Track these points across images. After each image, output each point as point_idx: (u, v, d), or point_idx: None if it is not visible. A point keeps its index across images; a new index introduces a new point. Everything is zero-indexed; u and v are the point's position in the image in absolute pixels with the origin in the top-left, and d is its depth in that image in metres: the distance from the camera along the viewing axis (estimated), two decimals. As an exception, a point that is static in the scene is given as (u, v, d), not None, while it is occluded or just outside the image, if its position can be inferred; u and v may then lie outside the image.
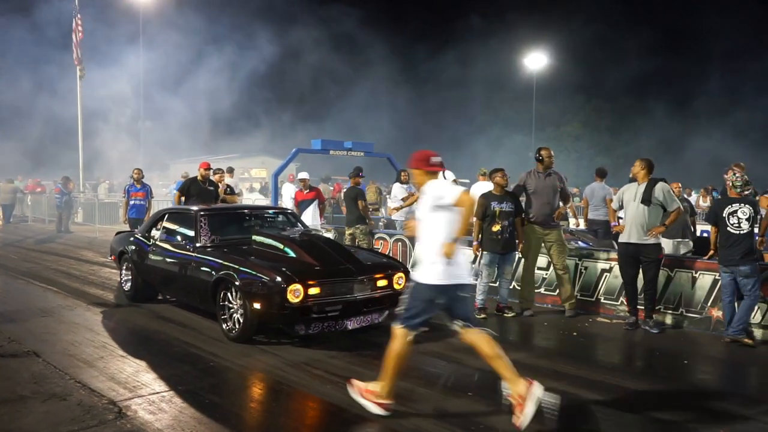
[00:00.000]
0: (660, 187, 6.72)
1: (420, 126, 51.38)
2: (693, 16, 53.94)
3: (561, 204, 7.74)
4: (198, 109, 36.41)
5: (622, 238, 6.86)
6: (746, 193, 6.51)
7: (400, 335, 4.24)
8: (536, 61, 42.80)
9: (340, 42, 47.68)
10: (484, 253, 7.44)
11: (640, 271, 6.84)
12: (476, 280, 7.65)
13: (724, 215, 6.37)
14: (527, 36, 44.70)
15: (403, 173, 11.51)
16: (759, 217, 6.61)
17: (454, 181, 10.53)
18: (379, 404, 4.29)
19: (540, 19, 51.46)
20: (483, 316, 7.39)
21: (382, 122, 43.55)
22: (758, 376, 5.76)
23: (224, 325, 6.28)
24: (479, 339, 4.25)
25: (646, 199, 6.66)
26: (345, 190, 10.78)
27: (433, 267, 4.13)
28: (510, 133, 49.04)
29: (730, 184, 6.53)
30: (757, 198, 8.41)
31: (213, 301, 6.43)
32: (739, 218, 6.29)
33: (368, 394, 4.34)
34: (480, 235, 7.48)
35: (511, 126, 50.48)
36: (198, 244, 7.01)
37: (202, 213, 7.35)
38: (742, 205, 6.33)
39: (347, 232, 10.03)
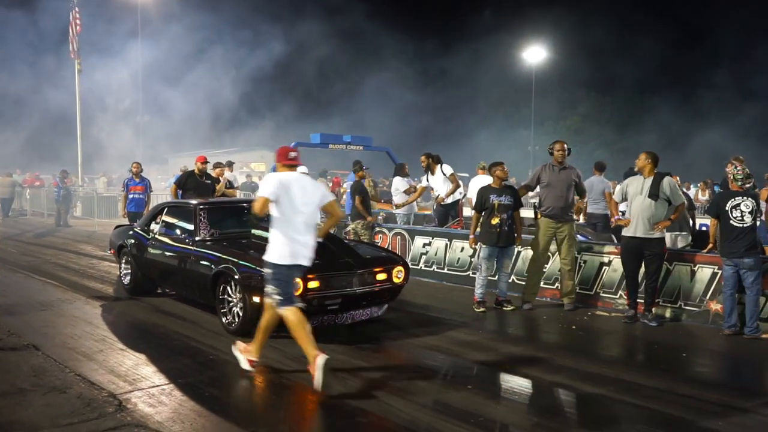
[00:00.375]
0: (667, 181, 6.72)
1: (422, 120, 51.20)
2: (698, 8, 53.67)
3: (579, 198, 7.75)
4: (197, 102, 36.31)
5: (627, 232, 6.83)
6: (747, 186, 6.51)
7: (290, 312, 4.81)
8: (535, 54, 42.72)
9: (341, 36, 47.46)
10: (483, 246, 7.42)
11: (642, 264, 6.85)
12: (475, 273, 7.65)
13: (726, 208, 6.36)
14: (528, 29, 44.57)
15: (405, 166, 11.48)
16: (760, 210, 6.59)
17: (452, 175, 10.56)
18: (249, 360, 5.05)
19: (541, 12, 51.29)
20: (482, 309, 7.40)
21: (384, 117, 43.39)
22: (756, 369, 5.77)
23: (224, 319, 6.28)
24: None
25: (654, 193, 6.64)
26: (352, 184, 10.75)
27: (284, 248, 4.85)
28: (510, 127, 48.97)
29: (732, 177, 6.53)
30: (757, 191, 8.37)
31: (212, 294, 6.43)
32: (742, 211, 6.29)
33: (245, 352, 5.08)
34: (477, 228, 7.47)
35: (511, 120, 50.40)
36: (197, 238, 7.00)
37: (201, 206, 7.34)
38: (745, 198, 6.34)
39: (350, 226, 10.06)
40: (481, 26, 54.95)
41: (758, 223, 6.47)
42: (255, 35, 36.97)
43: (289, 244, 4.84)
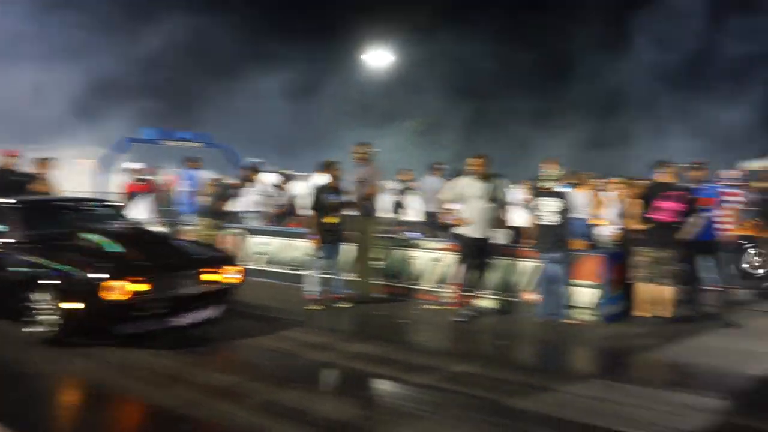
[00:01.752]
0: (500, 184, 7.27)
1: (271, 124, 50.15)
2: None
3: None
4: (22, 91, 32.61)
5: (469, 233, 7.14)
6: (551, 187, 7.22)
7: None
8: (379, 57, 43.62)
9: (186, 39, 45.10)
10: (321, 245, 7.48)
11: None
12: (309, 272, 7.70)
13: (534, 207, 7.05)
14: (372, 32, 45.38)
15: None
16: (568, 209, 7.28)
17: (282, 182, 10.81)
18: None
19: (383, 16, 52.51)
20: (317, 307, 7.45)
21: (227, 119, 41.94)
22: (560, 352, 6.40)
23: (34, 328, 5.72)
24: None
25: (493, 197, 7.12)
26: None
27: None
28: (351, 128, 49.57)
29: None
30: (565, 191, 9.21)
31: (21, 301, 5.82)
32: (546, 211, 7.01)
33: None
34: (318, 227, 7.50)
35: (352, 122, 51.05)
36: (7, 240, 6.32)
37: (13, 205, 6.65)
38: (549, 198, 7.06)
39: (193, 227, 9.78)
40: (325, 32, 55.04)
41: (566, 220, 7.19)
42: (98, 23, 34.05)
43: None
